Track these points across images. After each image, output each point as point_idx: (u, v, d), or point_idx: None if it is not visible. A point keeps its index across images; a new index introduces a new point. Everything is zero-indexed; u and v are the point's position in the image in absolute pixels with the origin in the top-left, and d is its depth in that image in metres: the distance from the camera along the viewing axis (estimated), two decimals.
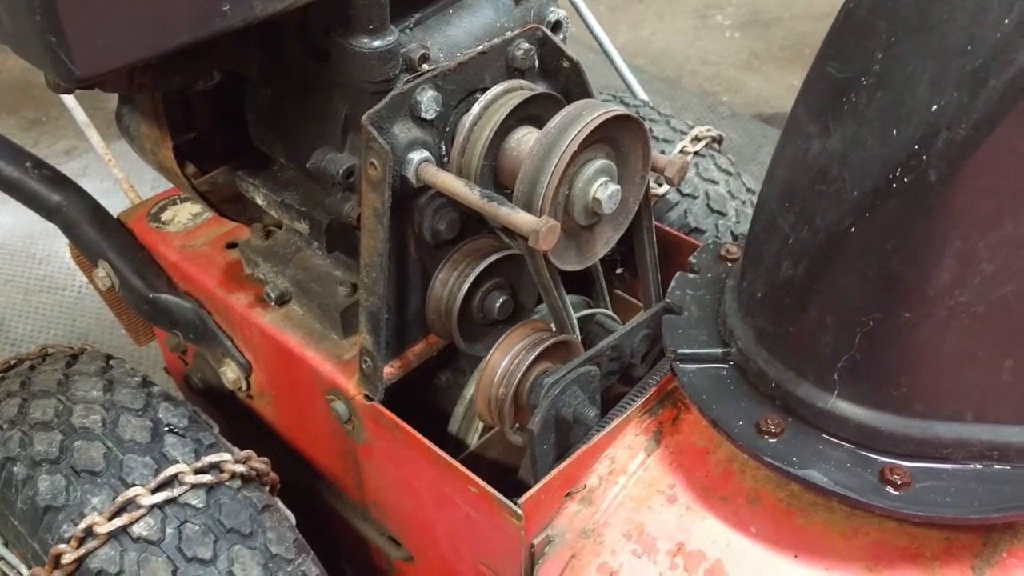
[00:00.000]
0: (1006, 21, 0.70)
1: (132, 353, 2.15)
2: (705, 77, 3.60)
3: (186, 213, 1.39)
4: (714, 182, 1.53)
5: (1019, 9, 0.69)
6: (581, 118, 0.93)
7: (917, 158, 0.75)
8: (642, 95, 1.83)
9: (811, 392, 0.91)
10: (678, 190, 1.50)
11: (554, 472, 0.98)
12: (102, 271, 1.33)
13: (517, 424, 1.08)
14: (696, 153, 1.56)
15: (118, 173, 1.59)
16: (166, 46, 0.78)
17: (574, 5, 1.99)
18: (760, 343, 0.96)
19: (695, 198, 1.51)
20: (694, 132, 1.58)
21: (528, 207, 0.93)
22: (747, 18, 3.99)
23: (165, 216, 1.40)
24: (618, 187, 0.97)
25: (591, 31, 2.02)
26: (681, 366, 1.01)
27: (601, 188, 0.96)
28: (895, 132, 0.77)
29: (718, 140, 1.60)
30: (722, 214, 1.51)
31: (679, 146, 1.55)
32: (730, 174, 1.57)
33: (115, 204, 1.42)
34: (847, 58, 0.88)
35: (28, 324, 2.42)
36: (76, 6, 0.71)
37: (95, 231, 1.32)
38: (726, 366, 1.00)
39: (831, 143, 0.86)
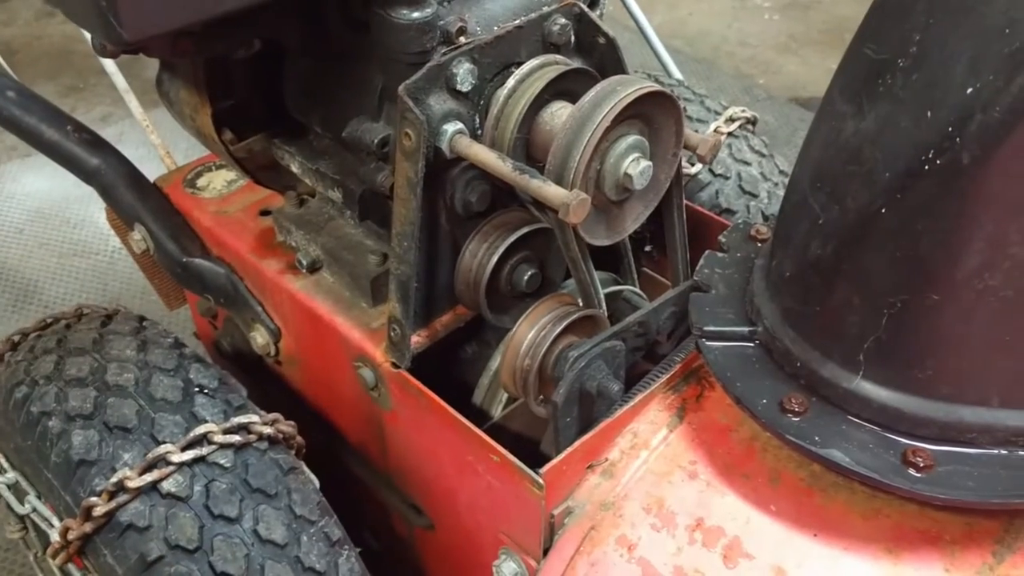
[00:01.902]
0: None
1: (162, 319, 2.19)
2: (742, 59, 3.58)
3: (221, 180, 1.42)
4: (747, 163, 1.53)
5: None
6: (615, 93, 0.94)
7: (951, 140, 0.75)
8: (677, 74, 1.83)
9: (836, 372, 0.92)
10: (710, 170, 1.51)
11: (576, 444, 0.99)
12: (137, 234, 1.35)
13: (541, 396, 1.09)
14: (730, 134, 1.56)
15: (155, 139, 1.61)
16: (211, 12, 0.79)
17: None
18: (787, 322, 0.97)
19: (727, 179, 1.51)
20: (728, 112, 1.58)
21: (559, 181, 0.94)
22: (786, 1, 3.96)
23: (200, 182, 1.42)
24: (650, 163, 0.98)
25: (628, 9, 2.02)
26: (707, 343, 1.02)
27: (633, 164, 0.97)
28: (930, 114, 0.78)
29: (752, 121, 1.60)
30: (754, 195, 1.51)
31: (713, 126, 1.55)
32: (763, 156, 1.57)
33: (150, 171, 1.44)
34: (884, 39, 0.88)
35: (61, 287, 2.46)
36: None
37: (132, 195, 1.35)
38: (752, 345, 1.01)
39: (865, 124, 0.86)
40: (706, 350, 1.01)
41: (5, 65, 2.18)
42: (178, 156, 1.73)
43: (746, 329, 1.01)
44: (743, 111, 1.59)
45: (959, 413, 0.87)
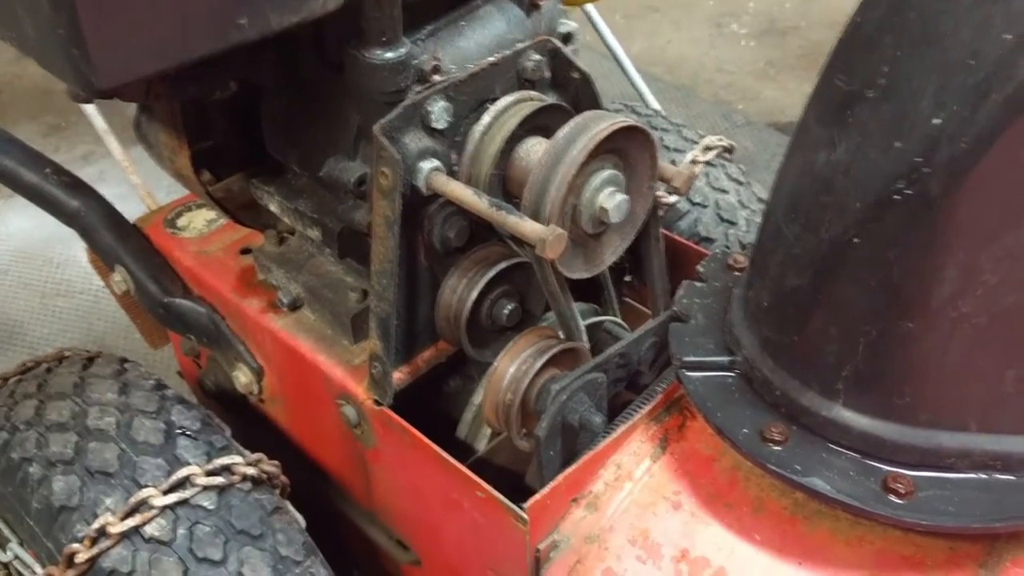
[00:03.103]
0: (1007, 37, 0.71)
1: (146, 358, 2.18)
2: (720, 85, 3.60)
3: (201, 219, 1.42)
4: (724, 191, 1.54)
5: (1020, 25, 0.70)
6: (589, 129, 0.94)
7: (919, 170, 0.76)
8: (654, 104, 1.85)
9: (815, 401, 0.92)
10: (689, 199, 1.51)
11: (560, 478, 0.99)
12: (118, 275, 1.35)
13: (524, 430, 1.09)
14: (707, 163, 1.57)
15: (135, 179, 1.62)
16: (184, 59, 0.79)
17: (588, 16, 2.01)
18: (765, 352, 0.97)
19: (705, 207, 1.52)
20: (705, 142, 1.59)
21: (536, 216, 0.94)
22: (763, 27, 3.99)
23: (181, 222, 1.42)
24: (626, 197, 0.98)
25: (605, 42, 2.03)
26: (687, 374, 1.02)
27: (608, 198, 0.97)
28: (898, 144, 0.78)
29: (729, 150, 1.61)
30: (732, 223, 1.52)
31: (689, 156, 1.56)
32: (740, 183, 1.58)
33: (131, 209, 1.44)
34: (853, 71, 0.89)
35: (45, 328, 2.45)
36: (98, 21, 0.73)
37: (112, 236, 1.34)
38: (732, 374, 1.01)
39: (836, 154, 0.87)
40: (686, 381, 1.02)
41: None
42: (160, 194, 1.74)
43: (726, 359, 1.02)
44: (719, 140, 1.60)
45: (938, 439, 0.88)
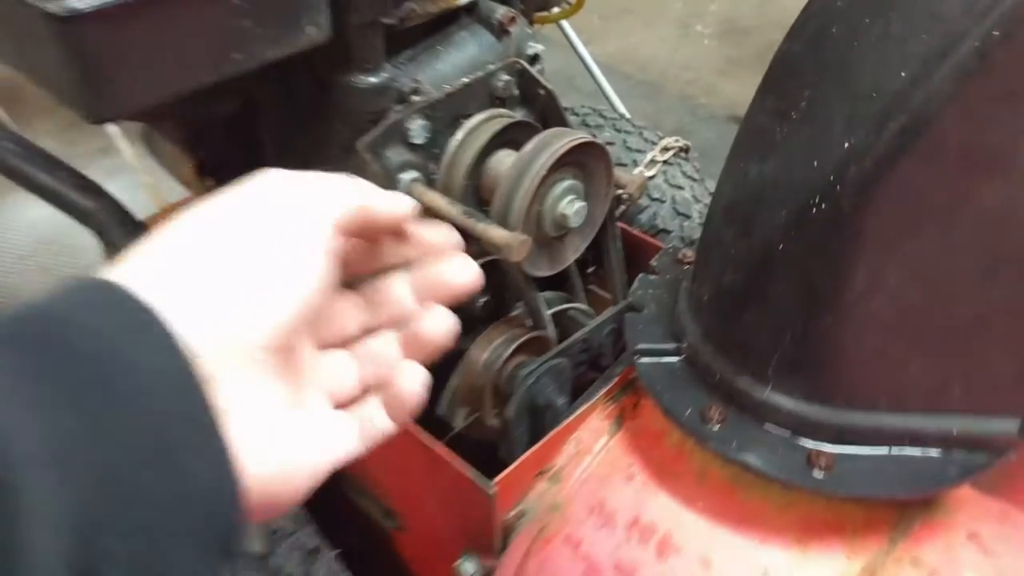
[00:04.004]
0: (903, 74, 0.76)
1: None
2: (686, 81, 3.65)
3: None
4: (680, 188, 1.60)
5: (912, 65, 0.76)
6: (550, 145, 0.99)
7: (832, 188, 0.82)
8: (620, 107, 1.89)
9: (749, 384, 0.97)
10: (648, 195, 1.57)
11: (527, 454, 1.04)
12: None
13: (496, 410, 1.14)
14: (665, 162, 1.62)
15: (146, 179, 1.65)
16: (181, 91, 0.84)
17: (563, 31, 2.05)
18: (707, 340, 1.03)
19: (663, 202, 1.57)
20: (663, 142, 1.64)
21: (504, 222, 1.00)
22: (724, 27, 4.04)
23: None
24: (584, 204, 1.03)
25: (574, 48, 2.07)
26: (639, 360, 1.07)
27: (568, 205, 1.02)
28: (815, 164, 0.84)
29: (685, 149, 1.66)
30: (687, 216, 1.57)
31: (649, 155, 1.61)
32: (695, 180, 1.63)
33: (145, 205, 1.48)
34: (781, 92, 0.94)
35: None
36: (103, 55, 0.77)
37: (124, 236, 1.38)
38: (678, 360, 1.07)
39: (766, 168, 0.93)
40: (639, 366, 1.07)
41: (4, 116, 2.21)
42: (173, 192, 1.78)
43: (673, 346, 1.07)
44: (676, 140, 1.65)
45: (853, 418, 0.93)
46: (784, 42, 0.95)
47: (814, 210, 0.84)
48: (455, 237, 0.66)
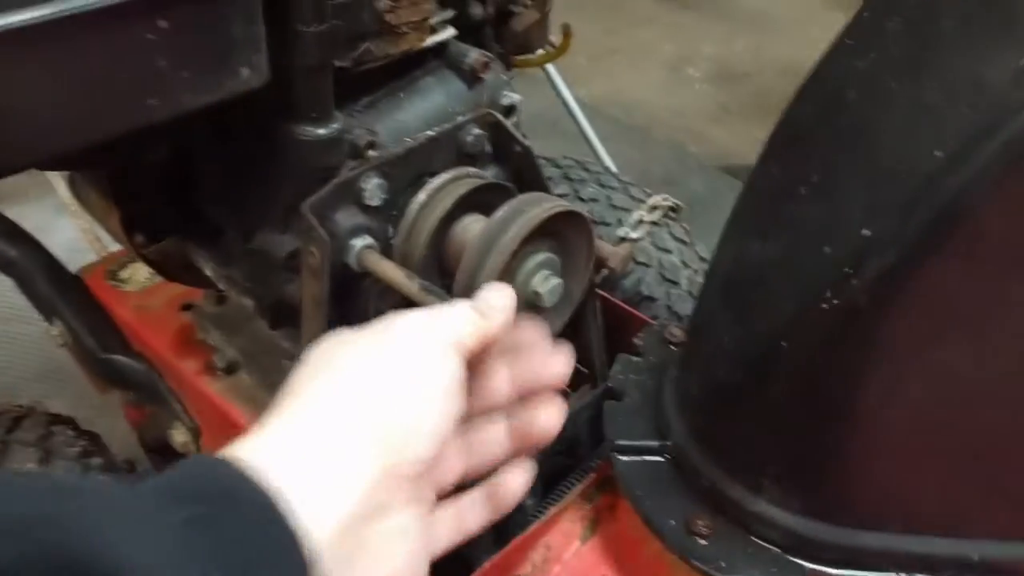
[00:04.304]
0: (937, 154, 0.66)
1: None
2: (675, 128, 3.57)
3: (144, 271, 1.35)
4: (668, 251, 1.50)
5: (951, 143, 0.65)
6: (525, 212, 0.89)
7: (848, 281, 0.71)
8: (606, 159, 1.79)
9: (741, 494, 0.87)
10: (633, 258, 1.46)
11: (488, 563, 0.93)
12: (55, 329, 1.28)
13: None
14: (653, 222, 1.52)
15: (83, 224, 1.54)
16: (85, 142, 0.72)
17: (546, 73, 1.96)
18: (695, 440, 0.92)
19: (649, 267, 1.47)
20: (651, 201, 1.54)
21: None
22: (717, 71, 3.97)
23: (124, 274, 1.35)
24: (560, 281, 0.92)
25: (560, 95, 1.98)
26: (618, 457, 0.97)
27: (542, 282, 0.91)
28: (828, 250, 0.74)
29: (675, 209, 1.57)
30: (674, 283, 1.47)
31: (635, 215, 1.51)
32: (684, 243, 1.53)
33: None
34: (788, 162, 0.84)
35: (4, 355, 2.35)
36: None
37: (49, 288, 1.27)
38: (662, 459, 0.96)
39: (768, 248, 0.82)
40: (617, 464, 0.96)
41: None
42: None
43: (656, 443, 0.96)
44: (665, 199, 1.55)
45: (860, 539, 0.83)
46: (793, 102, 0.85)
47: (825, 304, 0.73)
48: (545, 329, 0.75)
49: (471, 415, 0.67)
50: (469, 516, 0.67)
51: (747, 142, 3.45)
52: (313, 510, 0.50)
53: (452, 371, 0.61)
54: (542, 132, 3.31)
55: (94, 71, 0.70)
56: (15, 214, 1.31)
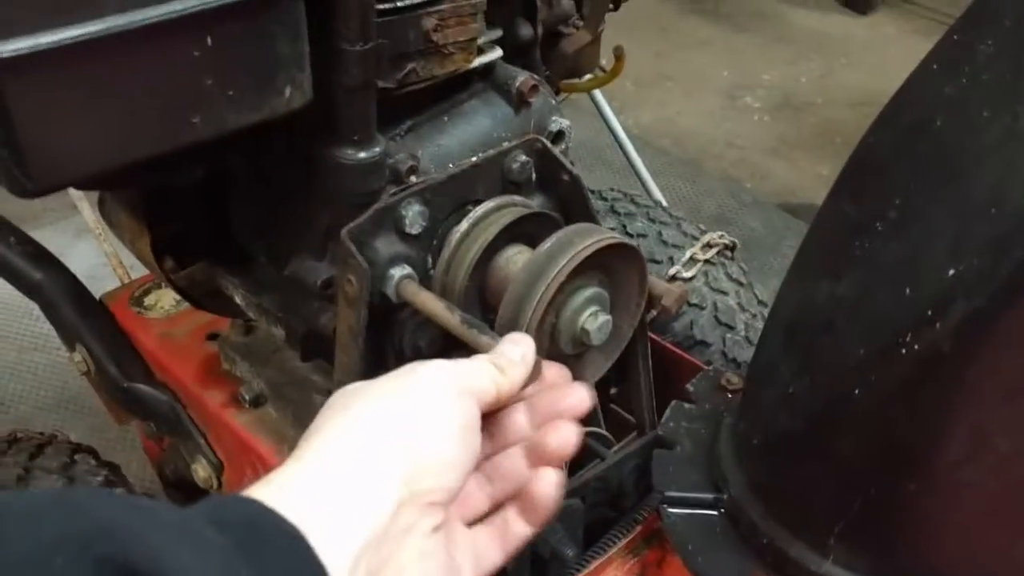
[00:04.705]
0: None
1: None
2: (730, 161, 3.55)
3: (169, 298, 1.35)
4: (724, 292, 1.47)
5: None
6: (572, 245, 0.87)
7: (930, 325, 0.69)
8: (656, 193, 1.78)
9: (804, 554, 0.84)
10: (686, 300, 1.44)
11: None
12: (78, 355, 1.28)
13: None
14: (707, 261, 1.50)
15: (107, 248, 1.55)
16: (128, 160, 0.73)
17: (593, 100, 1.96)
18: (754, 494, 0.90)
19: (703, 309, 1.45)
20: (705, 238, 1.52)
21: None
22: (778, 101, 3.95)
23: (148, 300, 1.36)
24: (609, 317, 0.91)
25: (608, 126, 1.97)
26: (668, 509, 0.94)
27: (591, 319, 0.90)
28: (908, 291, 0.71)
29: (731, 247, 1.55)
30: (730, 327, 1.45)
31: (689, 253, 1.49)
32: (741, 284, 1.51)
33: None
34: (863, 197, 0.82)
35: (19, 384, 2.37)
36: (34, 122, 0.67)
37: (74, 313, 1.28)
38: (716, 513, 0.94)
39: (840, 289, 0.80)
40: (667, 517, 0.94)
41: None
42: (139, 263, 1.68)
43: (711, 496, 0.94)
44: (721, 236, 1.53)
45: None
46: (870, 130, 0.83)
47: (904, 350, 0.71)
48: (566, 371, 0.80)
49: (490, 455, 0.72)
50: (510, 531, 0.70)
51: (809, 178, 3.42)
52: (329, 543, 0.55)
53: (468, 411, 0.66)
54: (586, 162, 3.31)
55: (139, 88, 0.71)
56: (35, 237, 1.32)
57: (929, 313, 0.69)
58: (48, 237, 2.39)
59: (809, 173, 3.44)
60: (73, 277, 1.30)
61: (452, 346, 1.03)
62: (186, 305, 1.34)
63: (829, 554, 0.83)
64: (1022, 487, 0.73)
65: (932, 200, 0.72)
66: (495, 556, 0.70)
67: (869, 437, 0.76)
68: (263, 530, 0.53)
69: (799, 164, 3.51)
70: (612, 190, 1.65)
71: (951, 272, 0.68)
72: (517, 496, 0.71)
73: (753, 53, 4.31)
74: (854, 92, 3.89)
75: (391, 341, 0.99)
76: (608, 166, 3.23)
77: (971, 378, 0.69)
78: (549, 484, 0.70)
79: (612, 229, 1.53)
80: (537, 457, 0.71)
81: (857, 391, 0.75)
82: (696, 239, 1.53)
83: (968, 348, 0.68)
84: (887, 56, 4.16)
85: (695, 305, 1.43)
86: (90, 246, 1.66)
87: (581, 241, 0.88)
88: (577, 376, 0.97)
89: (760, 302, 1.50)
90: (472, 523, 0.70)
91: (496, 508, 0.71)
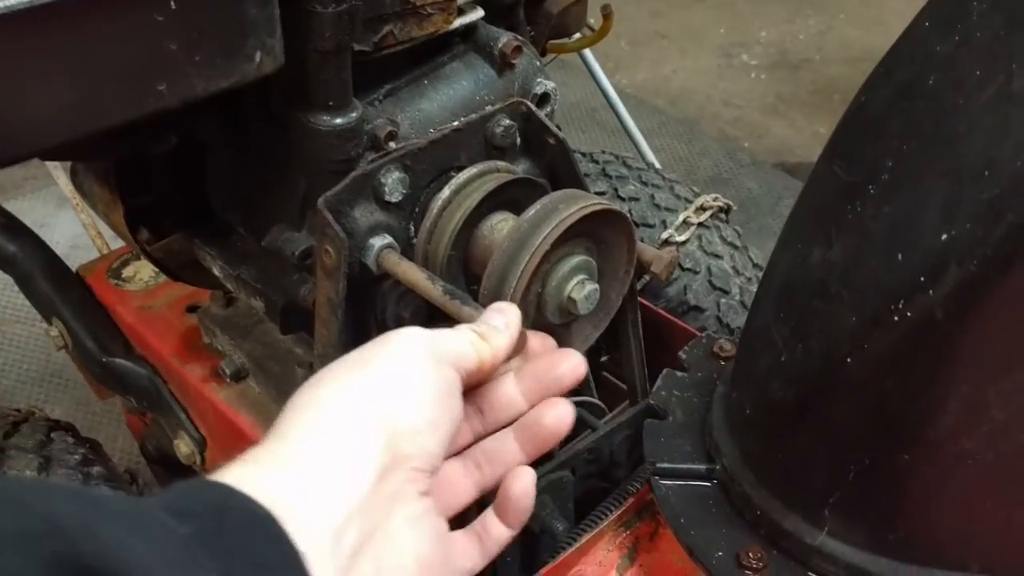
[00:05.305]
0: None
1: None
2: (727, 120, 3.53)
3: (148, 270, 1.34)
4: (718, 256, 1.46)
5: None
6: (558, 211, 0.86)
7: (923, 291, 0.68)
8: (649, 155, 1.77)
9: (799, 526, 0.84)
10: (679, 264, 1.44)
11: None
12: (55, 330, 1.27)
13: None
14: (700, 224, 1.49)
15: (84, 218, 1.54)
16: (91, 129, 0.71)
17: (584, 60, 1.94)
18: (747, 465, 0.89)
19: (696, 273, 1.44)
20: (699, 201, 1.51)
21: None
22: (775, 59, 3.92)
23: (126, 272, 1.35)
24: (596, 286, 0.90)
25: (599, 86, 1.95)
26: (660, 481, 0.94)
27: (577, 288, 0.89)
28: (900, 257, 0.70)
29: (725, 210, 1.53)
30: (725, 291, 1.44)
31: (682, 216, 1.48)
32: (736, 248, 1.50)
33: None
34: (855, 158, 0.81)
35: (2, 357, 2.37)
36: None
37: (49, 287, 1.27)
38: (709, 484, 0.93)
39: (832, 254, 0.79)
40: (658, 489, 0.93)
41: None
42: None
43: (703, 467, 0.93)
44: (715, 199, 1.52)
45: None
46: (862, 91, 0.81)
47: (896, 317, 0.70)
48: (551, 341, 0.80)
49: (481, 436, 0.73)
50: (490, 535, 0.71)
51: (807, 137, 3.40)
52: (305, 519, 0.54)
53: (445, 376, 0.66)
54: (580, 123, 3.29)
55: (101, 55, 0.70)
56: (15, 207, 1.32)
57: (922, 279, 0.68)
58: (31, 206, 2.39)
59: (807, 131, 3.42)
60: (48, 249, 1.29)
61: (437, 316, 1.02)
62: (165, 277, 1.33)
63: (824, 526, 0.82)
64: (1018, 457, 0.72)
65: (924, 163, 0.71)
66: (477, 561, 0.70)
67: (862, 406, 0.76)
68: (228, 515, 0.52)
69: (797, 122, 3.49)
70: (603, 152, 1.64)
71: (943, 237, 0.66)
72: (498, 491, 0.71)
73: (750, 10, 4.28)
74: (852, 48, 3.87)
75: (373, 312, 0.98)
76: (602, 127, 3.21)
77: (965, 346, 0.68)
78: (523, 482, 0.70)
79: (603, 193, 1.53)
80: (532, 435, 0.72)
81: (850, 359, 0.74)
82: (689, 202, 1.52)
83: (961, 316, 0.67)
84: (885, 10, 4.12)
85: (689, 269, 1.42)
86: (73, 216, 1.64)
87: (566, 208, 0.87)
88: (565, 346, 0.97)
89: (755, 265, 1.49)
90: (452, 523, 0.70)
91: (482, 497, 0.72)
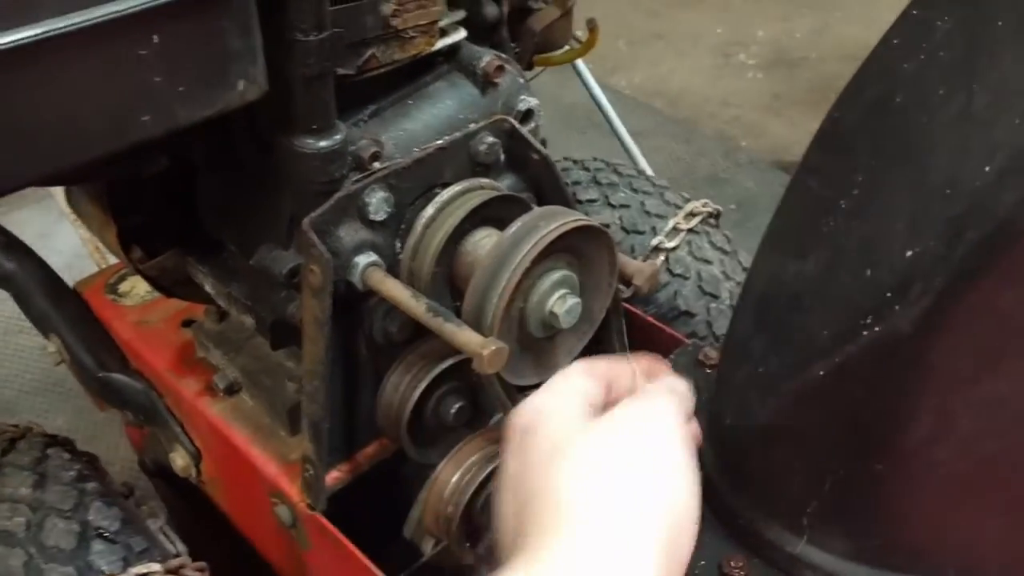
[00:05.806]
0: (987, 168, 0.64)
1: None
2: (724, 120, 3.54)
3: (144, 285, 1.35)
4: (707, 262, 1.48)
5: (1001, 157, 0.64)
6: (538, 229, 0.88)
7: (890, 306, 0.69)
8: (641, 161, 1.78)
9: (780, 535, 0.85)
10: (668, 270, 1.45)
11: None
12: (52, 345, 1.29)
13: (468, 542, 1.02)
14: (690, 230, 1.50)
15: (84, 234, 1.56)
16: (76, 161, 0.73)
17: (579, 73, 1.95)
18: (727, 474, 0.90)
19: (686, 278, 1.45)
20: (688, 207, 1.52)
21: (477, 324, 0.88)
22: (772, 58, 3.92)
23: (123, 287, 1.36)
24: (578, 300, 0.92)
25: (592, 95, 1.97)
26: None
27: (559, 302, 0.91)
28: (868, 273, 0.72)
29: (715, 215, 1.55)
30: (715, 296, 1.45)
31: (671, 222, 1.49)
32: (726, 253, 1.51)
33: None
34: (828, 173, 0.83)
35: (4, 368, 2.39)
36: None
37: (46, 303, 1.28)
38: None
39: (806, 267, 0.81)
40: None
41: None
42: None
43: None
44: (704, 205, 1.53)
45: None
46: (834, 108, 0.83)
47: (865, 332, 0.71)
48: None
49: None
50: None
51: (804, 135, 3.36)
52: None
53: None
54: (579, 126, 3.30)
55: (86, 89, 0.71)
56: (16, 219, 1.33)
57: (888, 295, 0.69)
58: (32, 218, 2.41)
59: (804, 130, 3.42)
60: (45, 265, 1.31)
61: (424, 331, 1.04)
62: None
63: (804, 534, 0.84)
64: (989, 466, 0.74)
65: (892, 180, 0.73)
66: None
67: (835, 418, 0.77)
68: None
69: (794, 121, 3.49)
70: (595, 159, 1.65)
71: (909, 254, 0.68)
72: None
73: (746, 9, 4.28)
74: (849, 46, 3.87)
75: (361, 328, 1.00)
76: (599, 129, 3.21)
77: (932, 360, 0.70)
78: None
79: (594, 201, 1.54)
80: None
81: (822, 372, 0.76)
82: (679, 208, 1.53)
83: (926, 329, 0.68)
84: (881, 7, 4.11)
85: (679, 275, 1.44)
86: (67, 233, 1.66)
87: (546, 225, 0.89)
88: (549, 359, 0.99)
89: (745, 269, 1.50)
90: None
91: None
